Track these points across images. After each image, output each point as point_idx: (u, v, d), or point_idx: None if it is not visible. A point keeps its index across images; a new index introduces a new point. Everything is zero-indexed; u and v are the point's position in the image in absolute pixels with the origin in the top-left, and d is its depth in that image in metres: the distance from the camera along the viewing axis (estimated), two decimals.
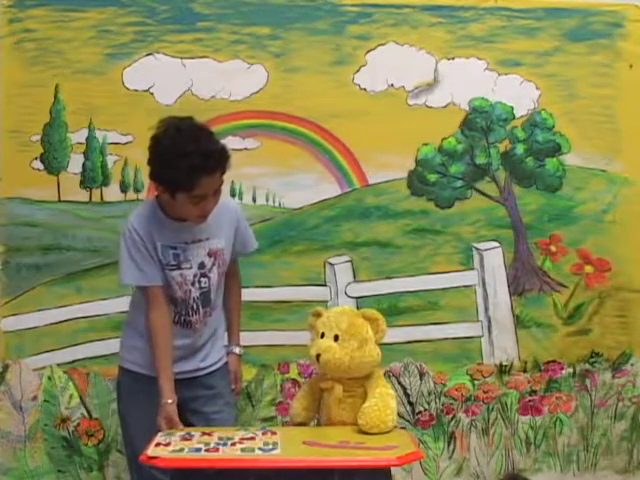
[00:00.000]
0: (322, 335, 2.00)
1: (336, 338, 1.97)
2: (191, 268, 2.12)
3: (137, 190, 2.88)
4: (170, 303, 2.13)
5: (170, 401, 2.05)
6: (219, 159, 2.00)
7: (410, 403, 2.95)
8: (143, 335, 2.14)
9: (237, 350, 2.32)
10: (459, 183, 2.98)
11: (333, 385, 1.99)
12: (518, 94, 2.97)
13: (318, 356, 1.96)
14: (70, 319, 2.85)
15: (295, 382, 2.86)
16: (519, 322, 2.99)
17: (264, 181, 2.89)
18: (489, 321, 2.98)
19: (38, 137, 2.85)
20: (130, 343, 2.21)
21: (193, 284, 2.13)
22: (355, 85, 2.93)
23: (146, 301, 2.12)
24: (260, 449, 1.76)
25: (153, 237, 2.09)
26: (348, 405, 1.99)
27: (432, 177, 2.96)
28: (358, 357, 1.97)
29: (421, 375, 2.95)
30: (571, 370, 3.00)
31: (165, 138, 2.00)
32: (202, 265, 2.13)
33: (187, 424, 2.09)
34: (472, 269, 2.97)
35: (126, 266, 2.10)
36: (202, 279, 2.14)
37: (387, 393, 1.97)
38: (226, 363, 2.28)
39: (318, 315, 2.07)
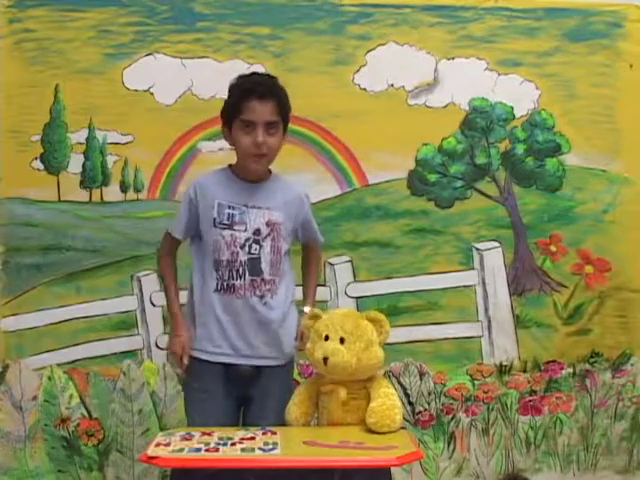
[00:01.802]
0: (326, 338, 1.97)
1: (342, 340, 1.95)
2: (245, 231, 2.14)
3: (137, 190, 2.88)
4: (213, 269, 2.15)
5: (184, 334, 2.17)
6: (271, 88, 2.14)
7: (410, 403, 2.95)
8: (193, 320, 2.20)
9: (307, 310, 2.26)
10: (459, 183, 2.98)
11: (336, 388, 1.96)
12: (518, 94, 2.97)
13: (325, 359, 1.93)
14: (70, 319, 2.85)
15: (295, 382, 2.86)
16: (519, 322, 2.99)
17: None
18: (489, 321, 2.98)
19: (38, 137, 2.85)
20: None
21: (242, 247, 2.14)
22: (355, 85, 2.93)
23: (161, 244, 2.29)
24: (260, 449, 1.76)
25: (211, 195, 2.16)
26: (352, 407, 1.97)
27: (432, 177, 2.96)
28: (365, 359, 1.95)
29: (421, 375, 2.95)
30: (571, 370, 3.00)
31: (236, 79, 2.19)
32: (258, 232, 2.15)
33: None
34: (472, 269, 2.97)
35: (176, 217, 2.25)
36: (254, 245, 2.15)
37: (392, 393, 1.97)
38: (291, 363, 2.28)
39: (314, 317, 2.04)
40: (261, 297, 2.15)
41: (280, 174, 2.26)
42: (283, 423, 2.08)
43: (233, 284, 2.14)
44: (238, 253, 2.14)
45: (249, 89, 2.11)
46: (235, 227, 2.14)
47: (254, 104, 2.09)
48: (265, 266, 2.15)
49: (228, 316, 2.15)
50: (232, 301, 2.14)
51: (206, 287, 2.16)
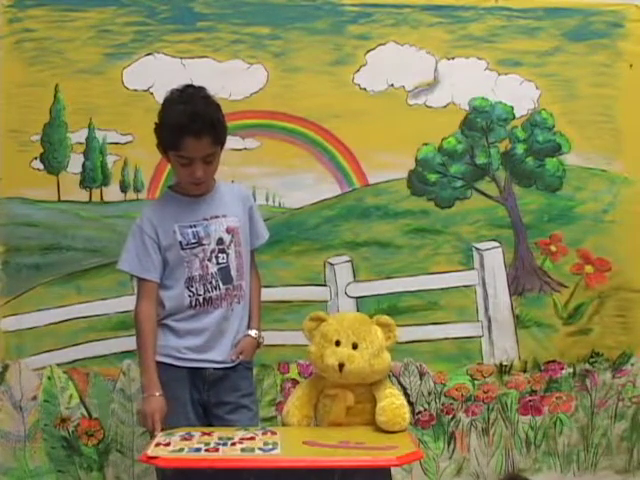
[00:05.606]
0: (337, 343, 1.95)
1: (354, 346, 1.94)
2: (210, 244, 2.14)
3: (137, 190, 2.88)
4: (185, 287, 2.14)
5: (158, 394, 2.06)
6: (205, 123, 2.04)
7: (410, 403, 2.94)
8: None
9: (252, 333, 2.24)
10: (459, 183, 2.98)
11: (342, 393, 1.95)
12: (518, 94, 2.97)
13: (341, 366, 1.91)
14: (70, 319, 2.85)
15: (295, 382, 2.86)
16: (519, 322, 2.99)
17: (264, 181, 2.89)
18: (489, 321, 2.98)
19: (38, 137, 2.85)
20: None
21: (210, 259, 2.14)
22: (355, 85, 2.92)
23: (138, 292, 2.16)
24: (260, 449, 1.76)
25: (168, 222, 2.13)
26: (356, 411, 1.97)
27: (432, 177, 2.96)
28: (376, 365, 1.95)
29: (421, 375, 2.95)
30: (571, 370, 3.00)
31: (166, 99, 2.12)
32: (221, 241, 2.16)
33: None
34: (472, 269, 2.97)
35: (126, 252, 2.16)
36: (220, 255, 2.15)
37: (397, 393, 1.98)
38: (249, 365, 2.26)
39: (318, 320, 2.02)
40: (230, 304, 2.17)
41: (221, 180, 2.26)
42: (254, 420, 2.15)
43: (210, 296, 2.15)
44: (207, 266, 2.14)
45: (184, 126, 2.02)
46: (204, 242, 2.14)
47: (190, 142, 2.03)
48: (234, 273, 2.17)
49: (204, 330, 2.14)
50: (209, 312, 2.15)
51: (179, 305, 2.14)
